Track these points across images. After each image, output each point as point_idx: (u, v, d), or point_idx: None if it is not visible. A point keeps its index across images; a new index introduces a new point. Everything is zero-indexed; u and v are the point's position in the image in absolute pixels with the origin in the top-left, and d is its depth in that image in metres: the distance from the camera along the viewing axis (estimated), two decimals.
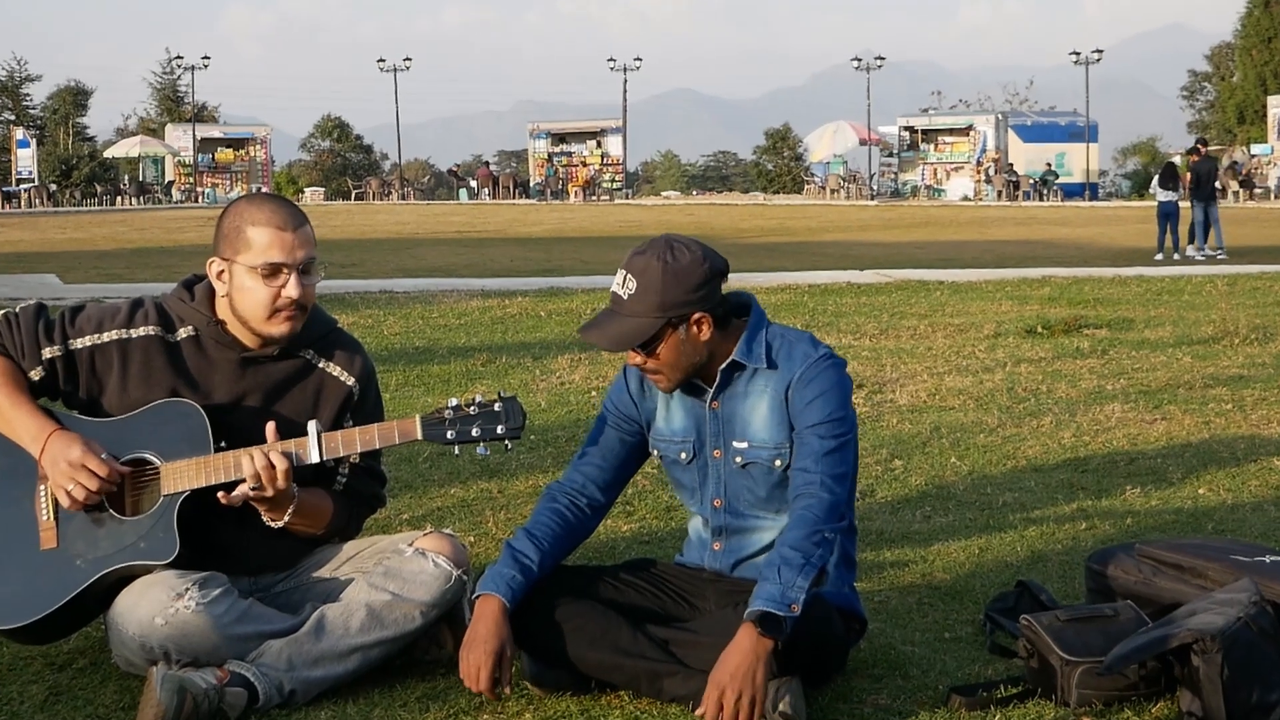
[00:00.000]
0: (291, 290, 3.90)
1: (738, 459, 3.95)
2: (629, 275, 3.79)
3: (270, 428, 3.87)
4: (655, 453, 4.12)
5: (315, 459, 3.86)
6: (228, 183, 67.07)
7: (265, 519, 3.96)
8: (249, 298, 3.93)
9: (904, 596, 4.82)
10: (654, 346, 3.81)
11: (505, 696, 3.79)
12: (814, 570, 3.64)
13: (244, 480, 3.83)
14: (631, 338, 3.78)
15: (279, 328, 3.94)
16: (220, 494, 3.83)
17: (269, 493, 3.85)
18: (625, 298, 3.79)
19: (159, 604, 3.76)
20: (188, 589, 3.78)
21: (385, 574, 4.00)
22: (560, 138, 72.34)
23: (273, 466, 3.82)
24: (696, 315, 3.82)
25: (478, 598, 3.79)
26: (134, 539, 3.84)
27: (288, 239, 3.90)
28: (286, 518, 3.95)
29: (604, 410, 4.16)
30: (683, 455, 4.04)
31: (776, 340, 3.92)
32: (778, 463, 3.89)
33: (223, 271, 3.96)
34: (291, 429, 3.92)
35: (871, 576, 5.05)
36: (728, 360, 3.90)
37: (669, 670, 3.74)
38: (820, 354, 3.89)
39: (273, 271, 3.89)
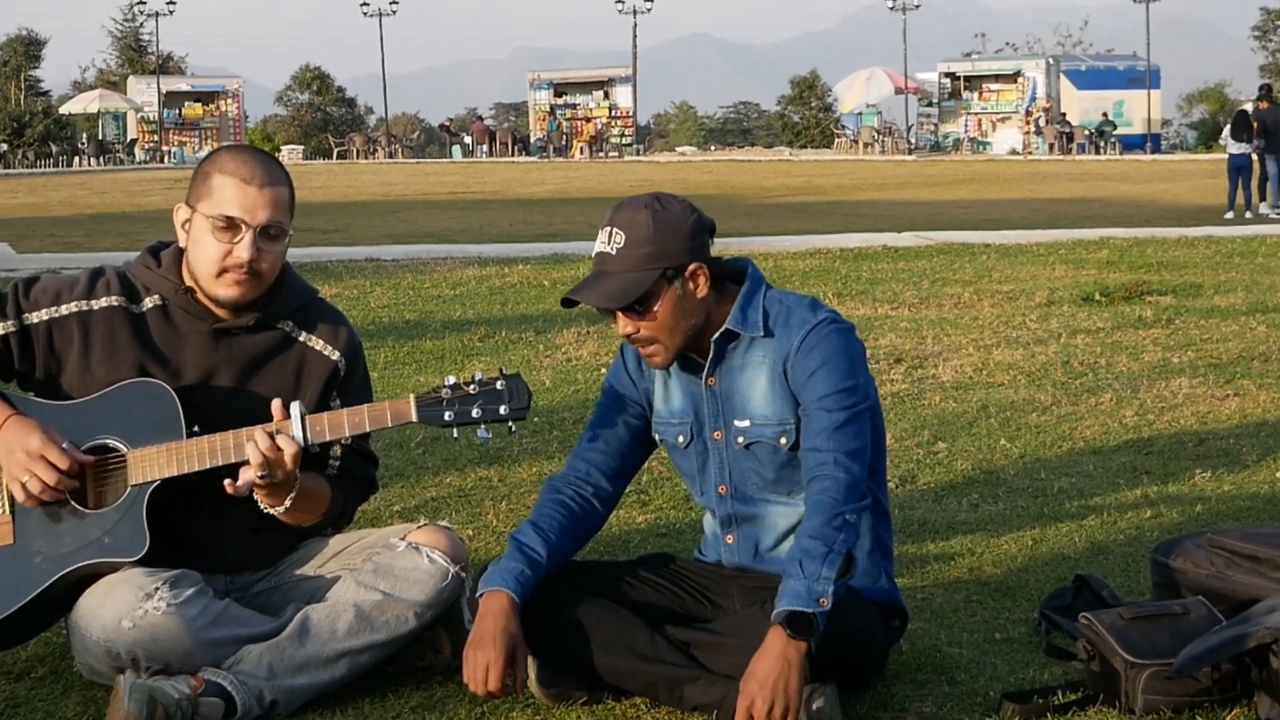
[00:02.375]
0: (242, 251, 3.88)
1: (739, 439, 3.95)
2: (615, 229, 3.80)
3: (277, 404, 3.86)
4: (657, 437, 4.12)
5: (300, 444, 3.85)
6: (196, 141, 67.02)
7: (263, 505, 3.95)
8: (199, 251, 3.94)
9: (950, 594, 4.82)
10: (650, 304, 3.80)
11: (515, 694, 3.76)
12: (839, 557, 3.63)
13: (220, 466, 3.82)
14: (627, 292, 3.78)
15: (225, 290, 3.93)
16: (226, 482, 3.83)
17: (278, 477, 3.85)
18: (614, 253, 3.79)
19: (126, 605, 3.76)
20: (157, 589, 3.78)
21: (375, 571, 4.00)
22: (563, 88, 72.20)
23: (279, 449, 3.81)
24: (693, 266, 3.82)
25: (481, 595, 3.79)
26: (98, 534, 3.85)
27: (250, 194, 3.89)
28: (287, 504, 3.94)
29: (604, 392, 4.17)
30: (680, 438, 4.05)
31: (774, 306, 3.92)
32: (783, 440, 3.89)
33: (187, 221, 3.96)
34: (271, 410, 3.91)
35: (914, 571, 5.05)
36: (720, 329, 3.90)
37: (690, 675, 3.74)
38: (820, 318, 3.87)
39: (227, 225, 3.89)
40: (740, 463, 3.98)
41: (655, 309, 3.81)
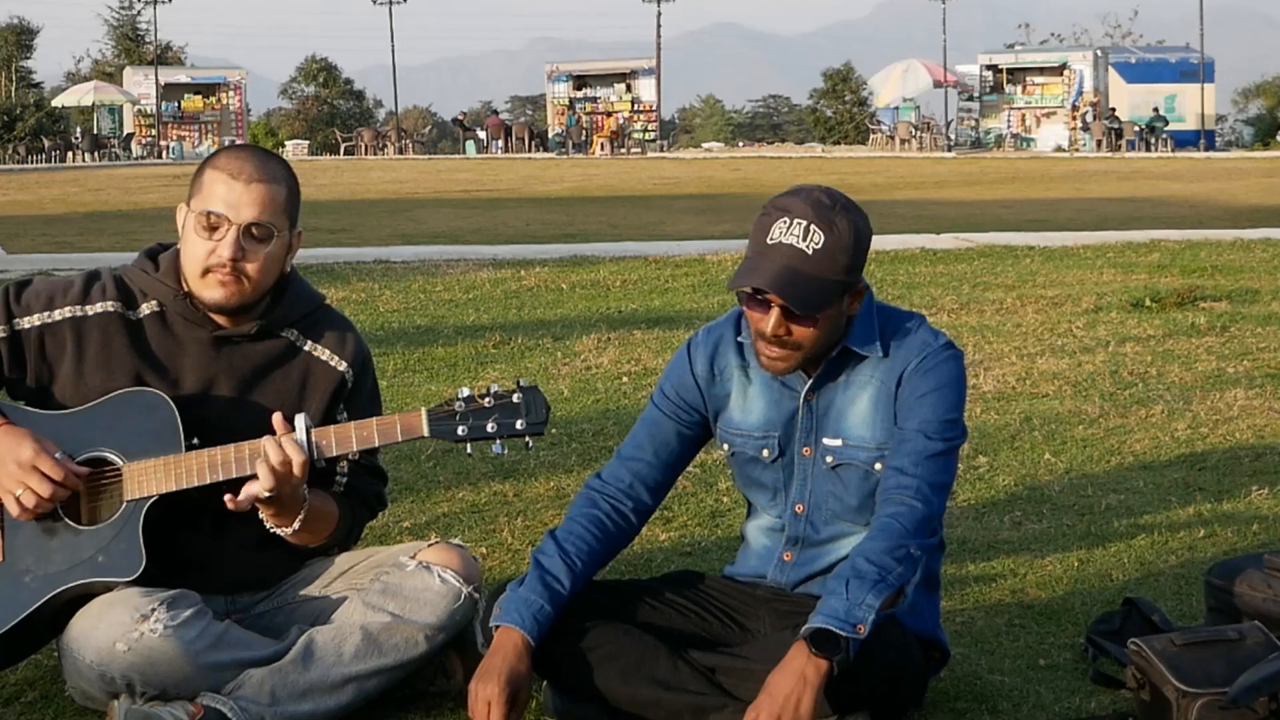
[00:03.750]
0: (224, 249, 3.89)
1: (828, 459, 3.94)
2: (814, 227, 3.72)
3: (278, 418, 3.87)
4: (726, 447, 4.09)
5: (306, 453, 3.84)
6: (196, 135, 67.24)
7: (270, 526, 3.96)
8: (187, 249, 3.96)
9: (991, 617, 4.81)
10: (820, 315, 3.77)
11: None
12: (890, 589, 3.61)
13: (221, 481, 3.83)
14: (821, 299, 3.73)
15: (210, 291, 3.93)
16: (227, 497, 3.83)
17: (286, 492, 3.85)
18: (809, 252, 3.71)
19: (121, 627, 3.76)
20: (154, 610, 3.78)
21: (384, 592, 4.00)
22: (583, 80, 72.32)
23: (289, 460, 3.82)
24: (861, 284, 3.82)
25: (497, 628, 3.78)
26: (92, 552, 3.85)
27: (236, 190, 3.90)
28: (296, 525, 3.95)
29: (658, 397, 4.13)
30: (765, 452, 4.01)
31: (888, 324, 3.91)
32: (877, 466, 3.88)
33: (184, 221, 3.98)
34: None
35: (953, 594, 5.04)
36: (838, 347, 3.88)
37: (715, 704, 3.74)
38: (941, 343, 3.88)
39: (209, 223, 3.90)
40: (823, 484, 3.96)
41: (819, 320, 3.77)
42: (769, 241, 3.74)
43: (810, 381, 3.92)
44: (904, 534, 3.68)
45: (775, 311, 3.75)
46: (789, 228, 3.72)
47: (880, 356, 3.87)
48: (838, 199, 3.78)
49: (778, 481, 4.04)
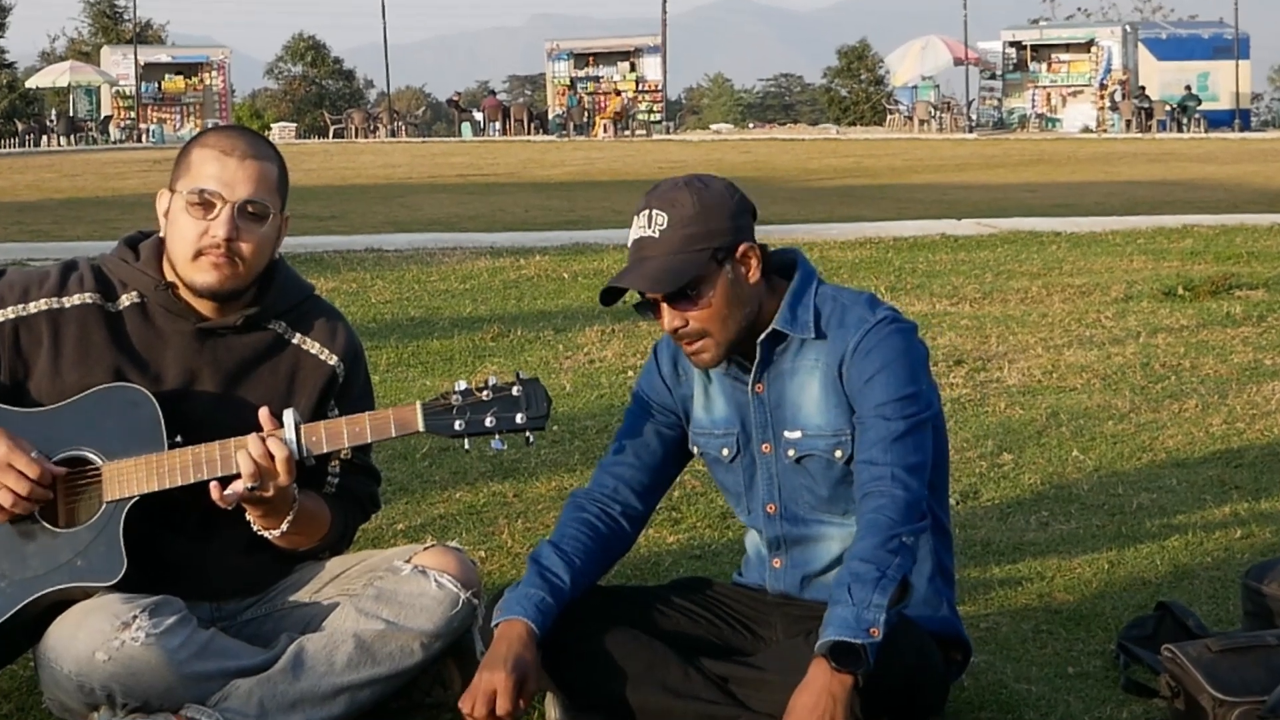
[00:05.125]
0: (218, 228, 3.88)
1: (790, 452, 3.94)
2: (654, 211, 3.80)
3: (264, 413, 3.87)
4: (695, 450, 4.12)
5: (293, 450, 3.85)
6: (177, 118, 67.21)
7: (258, 528, 3.96)
8: (176, 232, 3.95)
9: (1017, 622, 4.81)
10: (702, 291, 3.79)
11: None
12: (892, 583, 3.61)
13: (205, 480, 3.83)
14: (677, 275, 3.76)
15: (203, 275, 3.93)
16: (213, 486, 3.82)
17: (270, 491, 3.85)
18: (657, 235, 3.79)
19: (101, 635, 3.76)
20: (135, 617, 3.78)
21: (377, 598, 4.00)
22: (585, 59, 72.25)
23: (272, 456, 3.82)
24: (743, 246, 3.83)
25: (497, 625, 3.79)
26: (70, 556, 3.85)
27: (230, 166, 3.91)
28: (285, 526, 3.95)
29: (634, 399, 4.16)
30: (724, 451, 4.03)
31: (827, 304, 3.91)
32: (838, 453, 3.88)
33: (168, 208, 3.98)
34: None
35: (976, 598, 5.04)
36: (768, 329, 3.89)
37: (728, 713, 3.75)
38: (879, 318, 3.86)
39: (202, 201, 3.90)
40: (791, 479, 3.97)
41: (707, 296, 3.80)
42: (629, 245, 3.87)
43: (753, 370, 3.93)
44: (892, 524, 3.68)
45: (664, 308, 3.83)
46: (638, 221, 3.84)
47: (813, 338, 3.87)
48: (683, 179, 3.87)
49: (739, 484, 4.07)
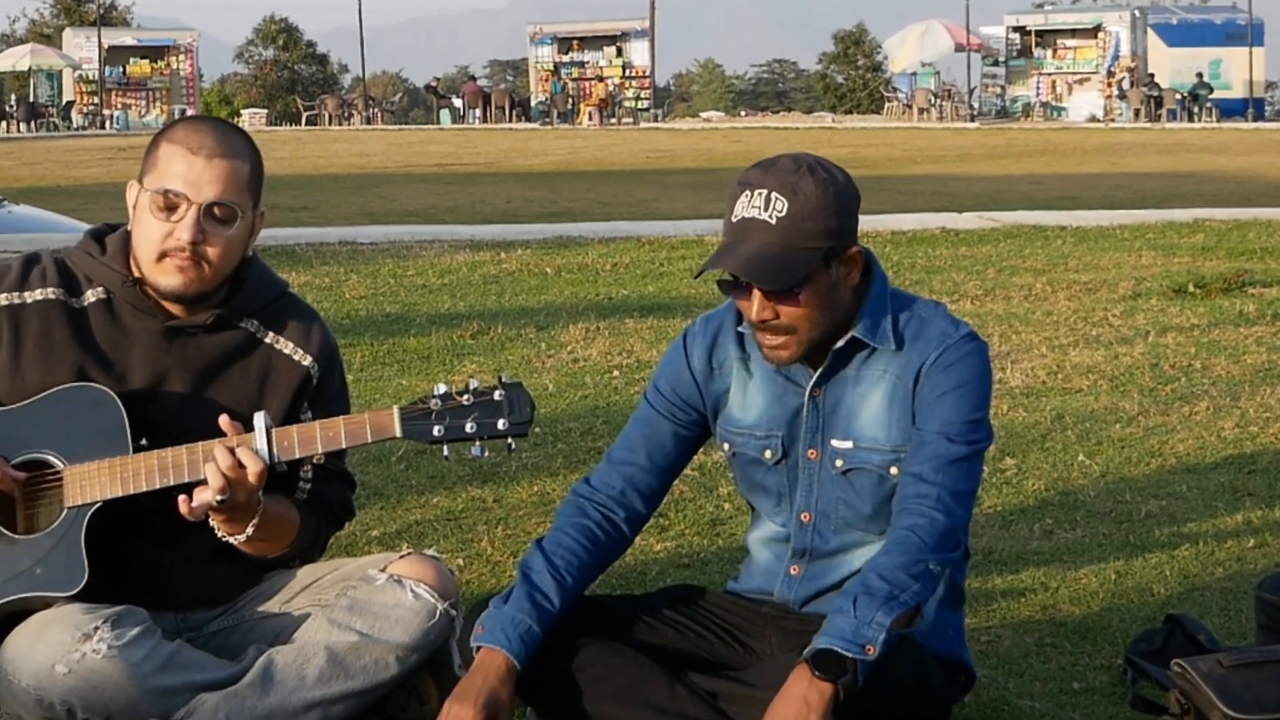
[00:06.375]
0: (182, 232, 3.87)
1: (838, 462, 3.92)
2: (774, 194, 3.72)
3: (225, 420, 3.86)
4: (726, 447, 4.09)
5: (265, 462, 3.84)
6: (143, 103, 67.15)
7: (221, 533, 3.95)
8: (140, 231, 3.95)
9: (1020, 635, 4.82)
10: (805, 288, 3.74)
11: None
12: (902, 607, 3.60)
13: (172, 486, 3.82)
14: (793, 271, 3.71)
15: (166, 278, 3.92)
16: (181, 499, 3.82)
17: (239, 499, 3.84)
18: (774, 222, 3.71)
19: (61, 647, 3.75)
20: (97, 628, 3.78)
21: (351, 608, 4.00)
22: (569, 43, 72.27)
23: (242, 466, 3.81)
24: (854, 249, 3.80)
25: (479, 649, 3.78)
26: (28, 564, 3.84)
27: (196, 165, 3.89)
28: (249, 531, 3.94)
29: (652, 394, 4.12)
30: (767, 454, 4.00)
31: (904, 313, 3.90)
32: (893, 470, 3.87)
33: (136, 199, 3.97)
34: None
35: (979, 610, 5.04)
36: (846, 336, 3.87)
37: None
38: (962, 334, 3.86)
39: (167, 202, 3.89)
40: (832, 490, 3.95)
41: (807, 294, 3.75)
42: (734, 220, 3.77)
43: (816, 375, 3.91)
44: (922, 548, 3.67)
45: (756, 294, 3.76)
46: (750, 200, 3.75)
47: (893, 349, 3.85)
48: (804, 161, 3.78)
49: (782, 486, 4.03)
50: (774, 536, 4.09)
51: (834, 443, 3.91)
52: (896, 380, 3.85)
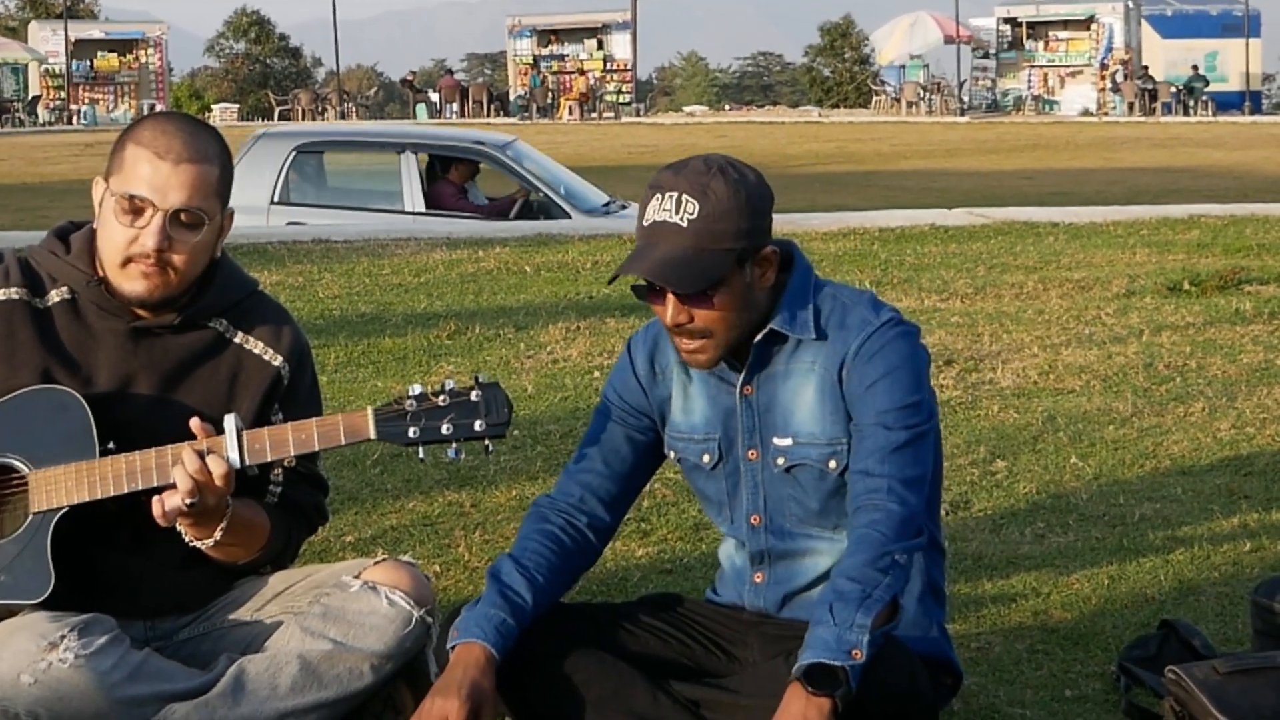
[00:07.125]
0: (147, 238, 3.86)
1: (779, 460, 3.94)
2: (685, 197, 3.75)
3: (196, 422, 3.85)
4: (672, 455, 4.11)
5: (235, 465, 3.84)
6: (110, 98, 67.06)
7: (188, 538, 3.95)
8: (105, 234, 3.94)
9: (1011, 642, 4.82)
10: (718, 291, 3.77)
11: None
12: (879, 604, 3.61)
13: (140, 490, 3.82)
14: (705, 274, 3.74)
15: (130, 283, 3.91)
16: (155, 500, 3.81)
17: (208, 504, 3.84)
18: (685, 225, 3.74)
19: (26, 657, 3.75)
20: (64, 637, 3.77)
21: (324, 616, 4.00)
22: (549, 36, 72.28)
23: (209, 470, 3.80)
24: (768, 249, 3.82)
25: (454, 647, 3.78)
26: None
27: (163, 171, 3.87)
28: (217, 536, 3.93)
29: (604, 401, 4.15)
30: (705, 458, 4.03)
31: (827, 302, 3.90)
32: (832, 464, 3.88)
33: (102, 198, 3.96)
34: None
35: (968, 616, 5.05)
36: (765, 329, 3.89)
37: None
38: (884, 320, 3.86)
39: (131, 206, 3.88)
40: (778, 489, 3.96)
41: (721, 297, 3.78)
42: (646, 224, 3.81)
43: (742, 374, 3.93)
44: (884, 541, 3.68)
45: (670, 298, 3.79)
46: (661, 204, 3.78)
47: (813, 338, 3.87)
48: (714, 162, 3.81)
49: (721, 493, 4.06)
50: (735, 546, 4.12)
51: (775, 440, 3.93)
52: (824, 372, 3.87)
